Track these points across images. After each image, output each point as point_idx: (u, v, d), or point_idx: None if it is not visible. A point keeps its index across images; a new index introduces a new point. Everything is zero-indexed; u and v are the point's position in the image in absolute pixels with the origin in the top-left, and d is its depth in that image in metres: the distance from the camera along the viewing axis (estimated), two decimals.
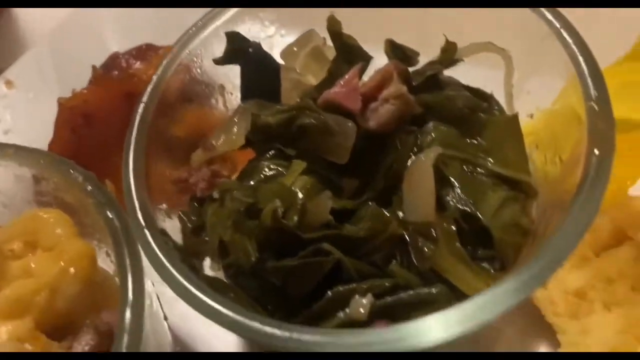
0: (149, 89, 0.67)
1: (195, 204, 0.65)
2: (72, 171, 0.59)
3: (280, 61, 0.74)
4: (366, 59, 0.72)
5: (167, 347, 0.65)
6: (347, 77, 0.69)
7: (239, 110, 0.71)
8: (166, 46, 0.96)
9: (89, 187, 0.57)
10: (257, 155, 0.69)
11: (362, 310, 0.55)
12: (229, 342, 0.73)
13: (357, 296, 0.56)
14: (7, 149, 0.63)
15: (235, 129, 0.70)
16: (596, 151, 0.50)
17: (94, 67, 0.85)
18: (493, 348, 0.68)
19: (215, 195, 0.62)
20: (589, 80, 0.53)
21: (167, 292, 0.75)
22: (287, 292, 0.57)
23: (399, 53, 0.72)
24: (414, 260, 0.59)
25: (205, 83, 0.74)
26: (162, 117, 0.68)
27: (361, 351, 0.47)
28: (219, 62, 0.70)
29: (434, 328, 0.47)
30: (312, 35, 0.76)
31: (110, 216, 0.55)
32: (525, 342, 0.68)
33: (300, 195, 0.60)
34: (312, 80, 0.76)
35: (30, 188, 0.67)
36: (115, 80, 0.84)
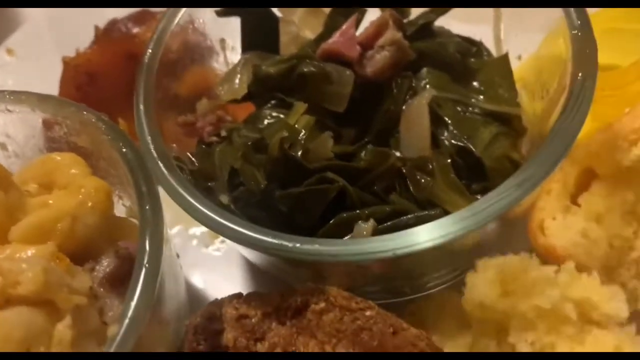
0: (152, 39, 0.70)
1: (203, 146, 0.68)
2: (85, 112, 0.62)
3: (278, 14, 0.77)
4: (361, 11, 0.75)
5: (182, 286, 0.68)
6: (344, 27, 0.72)
7: (241, 61, 0.74)
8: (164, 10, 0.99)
9: (103, 126, 0.60)
10: (257, 108, 0.72)
11: (365, 233, 0.58)
12: (236, 285, 0.76)
13: (360, 221, 0.59)
14: (20, 95, 0.65)
15: (237, 79, 0.73)
16: (580, 73, 0.53)
17: (96, 27, 0.87)
18: None
19: (223, 133, 0.65)
20: (572, 11, 0.56)
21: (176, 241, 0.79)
22: (294, 221, 0.60)
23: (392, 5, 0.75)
24: (412, 192, 0.63)
25: (206, 36, 0.76)
26: (167, 68, 0.71)
27: (363, 259, 0.51)
28: (220, 13, 0.73)
29: (424, 232, 0.52)
30: None
31: (125, 150, 0.57)
32: None
33: (303, 131, 0.63)
34: (310, 34, 0.80)
35: (41, 136, 0.70)
36: (117, 40, 0.86)
